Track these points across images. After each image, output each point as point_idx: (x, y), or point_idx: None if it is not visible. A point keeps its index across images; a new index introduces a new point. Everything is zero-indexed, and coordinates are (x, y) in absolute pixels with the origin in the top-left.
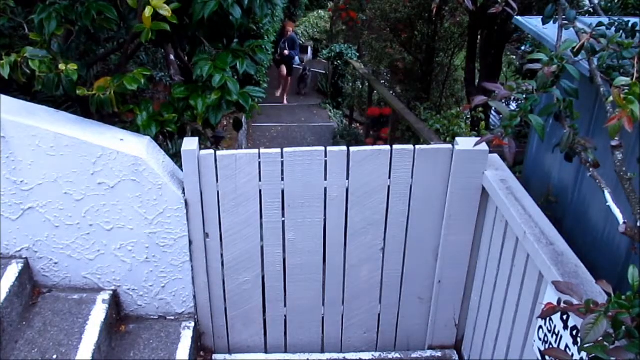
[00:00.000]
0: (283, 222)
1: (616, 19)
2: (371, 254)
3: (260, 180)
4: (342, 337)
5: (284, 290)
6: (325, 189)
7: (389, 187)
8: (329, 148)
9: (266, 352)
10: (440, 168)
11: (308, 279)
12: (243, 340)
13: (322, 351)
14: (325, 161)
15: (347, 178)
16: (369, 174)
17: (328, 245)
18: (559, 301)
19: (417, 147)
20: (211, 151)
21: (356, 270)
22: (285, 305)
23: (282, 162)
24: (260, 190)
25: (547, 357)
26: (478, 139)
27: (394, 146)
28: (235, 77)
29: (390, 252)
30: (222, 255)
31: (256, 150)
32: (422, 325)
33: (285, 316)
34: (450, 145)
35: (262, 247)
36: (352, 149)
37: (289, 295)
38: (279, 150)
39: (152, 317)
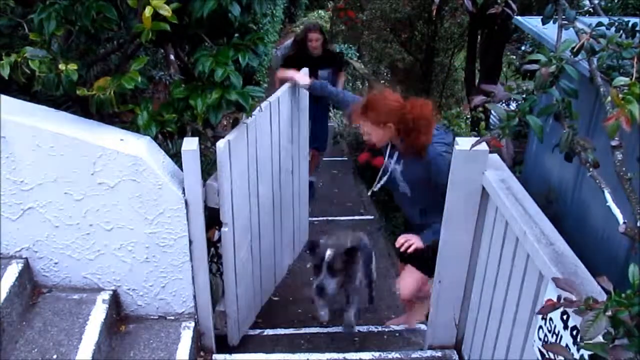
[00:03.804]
0: None
1: (616, 19)
2: None
3: None
4: None
5: None
6: None
7: None
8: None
9: (266, 351)
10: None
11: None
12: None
13: (323, 351)
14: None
15: None
16: None
17: None
18: (558, 298)
19: None
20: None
21: None
22: None
23: None
24: None
25: (546, 356)
26: (478, 139)
27: None
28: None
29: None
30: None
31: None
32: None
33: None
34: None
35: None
36: None
37: None
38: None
39: (152, 317)
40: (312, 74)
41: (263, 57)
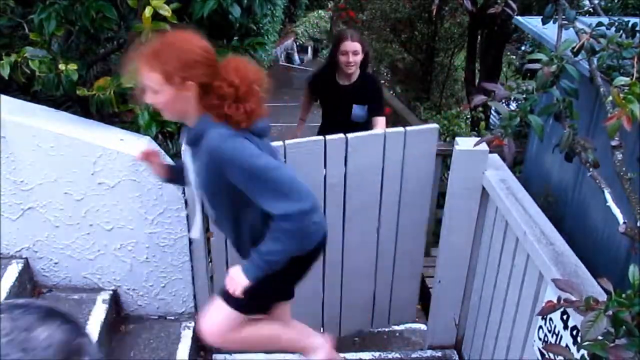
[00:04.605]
0: None
1: (616, 19)
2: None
3: None
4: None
5: None
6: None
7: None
8: (327, 137)
9: (266, 351)
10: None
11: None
12: None
13: None
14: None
15: (345, 176)
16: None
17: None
18: (558, 299)
19: None
20: None
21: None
22: None
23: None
24: None
25: (546, 356)
26: (478, 139)
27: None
28: None
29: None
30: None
31: None
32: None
33: None
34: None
35: None
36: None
37: None
38: (281, 142)
39: (152, 317)
40: (343, 111)
41: (262, 59)
